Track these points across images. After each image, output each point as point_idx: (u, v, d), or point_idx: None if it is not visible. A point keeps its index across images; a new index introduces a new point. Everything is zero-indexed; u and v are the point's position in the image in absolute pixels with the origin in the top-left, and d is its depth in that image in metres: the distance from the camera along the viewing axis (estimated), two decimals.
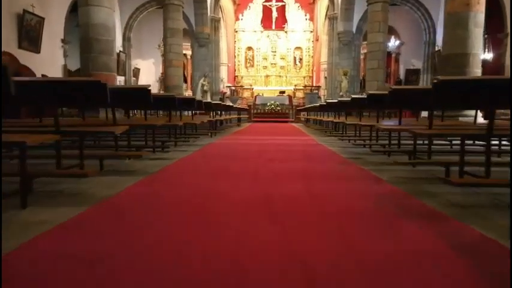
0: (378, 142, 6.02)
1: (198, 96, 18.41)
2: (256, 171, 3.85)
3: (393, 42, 20.87)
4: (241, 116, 15.23)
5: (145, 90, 3.95)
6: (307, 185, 3.18)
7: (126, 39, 18.88)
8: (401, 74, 22.82)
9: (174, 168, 4.14)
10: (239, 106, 17.01)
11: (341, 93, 18.48)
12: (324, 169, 4.17)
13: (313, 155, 5.49)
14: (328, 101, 8.01)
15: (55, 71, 13.97)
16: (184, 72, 24.24)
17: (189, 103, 6.13)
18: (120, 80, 18.78)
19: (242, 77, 25.30)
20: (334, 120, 7.14)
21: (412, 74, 21.96)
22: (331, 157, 5.28)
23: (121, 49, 18.55)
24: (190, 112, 13.92)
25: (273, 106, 19.21)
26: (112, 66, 9.05)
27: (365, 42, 20.53)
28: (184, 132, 7.69)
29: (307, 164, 4.54)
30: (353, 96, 5.99)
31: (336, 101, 7.16)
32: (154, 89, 22.93)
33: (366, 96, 6.07)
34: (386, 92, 4.28)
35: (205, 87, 18.31)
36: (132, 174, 3.72)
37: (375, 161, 4.77)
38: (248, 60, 25.61)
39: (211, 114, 10.63)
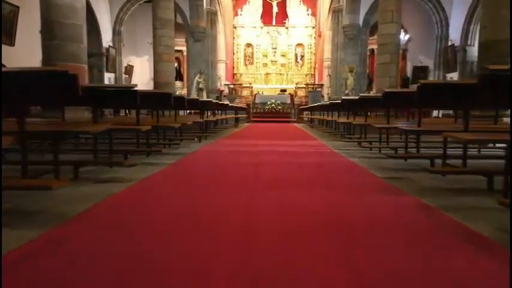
0: (419, 153, 4.27)
1: (193, 95, 16.68)
2: (247, 217, 2.11)
3: (403, 37, 19.08)
4: (238, 115, 13.48)
5: (64, 75, 2.22)
6: (353, 265, 1.43)
7: (116, 33, 17.12)
8: (409, 72, 21.08)
9: (110, 206, 2.40)
10: (237, 105, 15.28)
11: (346, 91, 16.74)
12: (363, 207, 2.43)
13: (334, 174, 3.74)
14: (344, 97, 6.21)
15: (33, 66, 12.22)
16: (180, 70, 22.58)
17: (162, 100, 4.37)
18: (110, 77, 17.07)
19: (241, 75, 23.52)
20: (354, 122, 5.40)
21: (420, 72, 20.22)
22: (361, 177, 3.55)
23: (110, 44, 16.80)
24: (185, 111, 12.16)
25: (273, 105, 17.47)
26: (82, 57, 7.30)
27: (372, 38, 18.79)
28: (163, 137, 5.95)
29: (331, 194, 2.80)
30: (389, 90, 4.23)
31: (357, 97, 5.42)
32: (149, 87, 21.19)
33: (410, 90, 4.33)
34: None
35: (200, 85, 16.55)
36: (20, 226, 1.98)
37: (433, 187, 3.04)
38: (247, 58, 23.84)
39: (205, 114, 8.95)
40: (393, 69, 12.11)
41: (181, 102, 5.37)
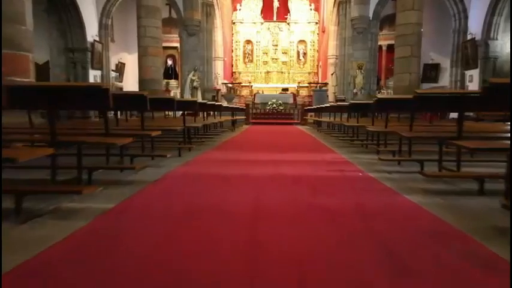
0: None
1: (187, 94, 14.72)
2: None
3: None
4: (235, 117, 11.51)
5: None
6: None
7: (103, 26, 15.12)
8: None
9: None
10: (233, 105, 13.27)
11: (355, 90, 14.80)
12: None
13: (411, 256, 1.75)
14: (382, 97, 4.13)
15: None
16: (175, 68, 20.57)
17: (90, 98, 2.35)
18: (95, 75, 15.07)
19: (240, 73, 21.53)
20: (403, 134, 3.41)
21: (431, 70, 18.25)
22: (464, 256, 1.56)
23: (96, 38, 14.81)
24: (174, 112, 10.11)
25: (274, 105, 15.49)
26: (24, 43, 5.32)
27: (382, 33, 16.75)
28: (121, 153, 3.99)
29: None
30: (498, 81, 2.27)
31: (401, 96, 3.44)
32: None
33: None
34: None
35: (195, 83, 14.57)
36: None
37: None
38: (247, 55, 21.85)
39: (195, 117, 6.99)
40: (414, 64, 10.17)
41: (138, 102, 3.39)
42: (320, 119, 9.95)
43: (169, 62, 19.88)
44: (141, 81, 10.48)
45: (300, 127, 12.95)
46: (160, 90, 10.76)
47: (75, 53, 14.15)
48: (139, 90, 10.64)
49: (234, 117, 11.13)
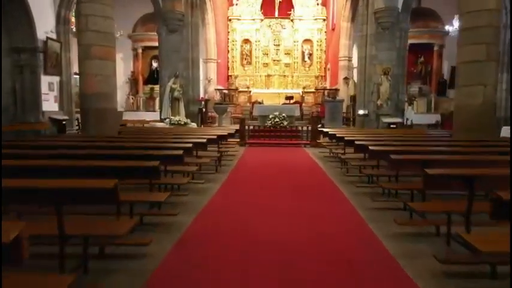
0: None
1: (166, 106, 10.83)
2: None
3: (447, 28, 13.26)
4: (223, 146, 7.62)
5: None
6: None
7: (61, 21, 11.20)
8: (445, 73, 15.23)
9: None
10: (222, 126, 9.34)
11: (379, 102, 10.89)
12: None
13: None
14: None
15: None
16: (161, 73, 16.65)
17: None
18: (52, 82, 11.16)
19: (237, 77, 17.63)
20: None
21: None
22: None
23: (52, 35, 10.89)
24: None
25: (277, 119, 11.63)
26: None
27: (414, 30, 12.62)
28: None
29: None
30: None
31: None
32: (123, 92, 15.33)
33: None
34: None
35: (176, 93, 10.67)
36: None
37: None
38: (245, 56, 17.92)
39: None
40: (492, 71, 6.24)
41: None
42: (347, 157, 6.15)
43: (155, 65, 15.95)
44: (82, 98, 6.61)
45: (311, 154, 9.10)
46: (113, 109, 6.90)
47: (22, 54, 10.26)
48: (81, 109, 6.79)
49: (221, 146, 7.27)
